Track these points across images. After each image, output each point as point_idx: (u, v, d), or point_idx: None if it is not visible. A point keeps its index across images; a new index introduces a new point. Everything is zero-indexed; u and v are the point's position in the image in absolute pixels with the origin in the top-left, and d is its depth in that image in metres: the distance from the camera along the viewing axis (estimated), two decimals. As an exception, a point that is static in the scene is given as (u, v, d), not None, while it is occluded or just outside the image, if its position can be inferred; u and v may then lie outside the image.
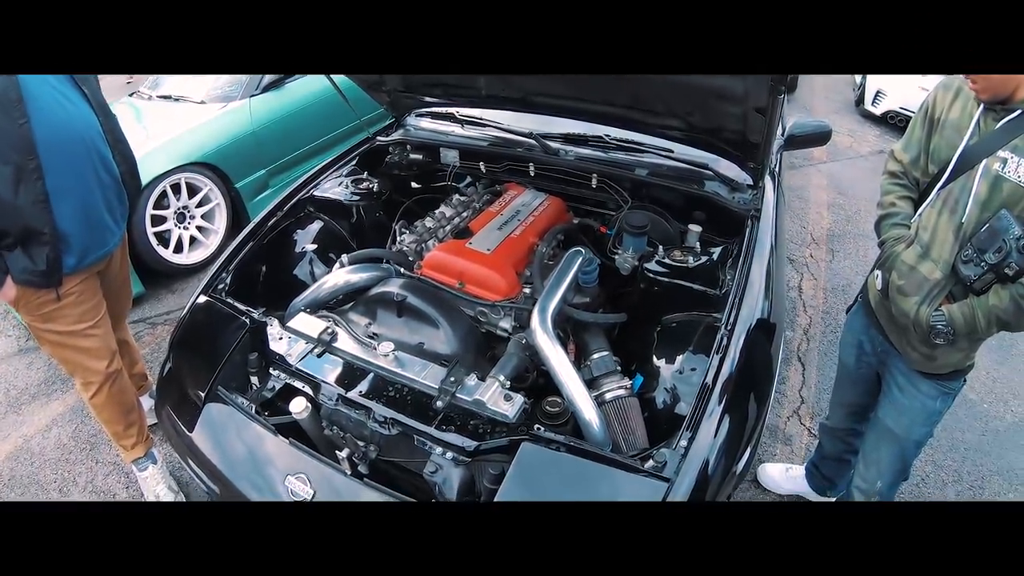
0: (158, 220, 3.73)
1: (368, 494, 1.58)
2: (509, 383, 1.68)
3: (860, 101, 7.42)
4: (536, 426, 1.57)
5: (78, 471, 2.82)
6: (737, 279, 1.86)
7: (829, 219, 4.84)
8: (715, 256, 2.08)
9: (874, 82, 7.11)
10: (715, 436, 1.50)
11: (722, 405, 1.55)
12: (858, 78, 7.82)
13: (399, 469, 1.76)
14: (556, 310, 1.78)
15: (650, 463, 1.44)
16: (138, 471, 2.59)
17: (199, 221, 3.99)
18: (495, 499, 1.44)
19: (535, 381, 1.91)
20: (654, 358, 1.85)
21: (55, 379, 3.35)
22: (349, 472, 1.64)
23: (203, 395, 1.88)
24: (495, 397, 1.61)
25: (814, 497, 2.55)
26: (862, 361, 2.04)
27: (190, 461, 1.92)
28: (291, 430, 1.82)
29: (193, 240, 3.99)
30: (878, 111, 7.03)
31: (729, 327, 1.71)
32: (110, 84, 8.26)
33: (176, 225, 3.85)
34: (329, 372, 1.79)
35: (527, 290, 2.05)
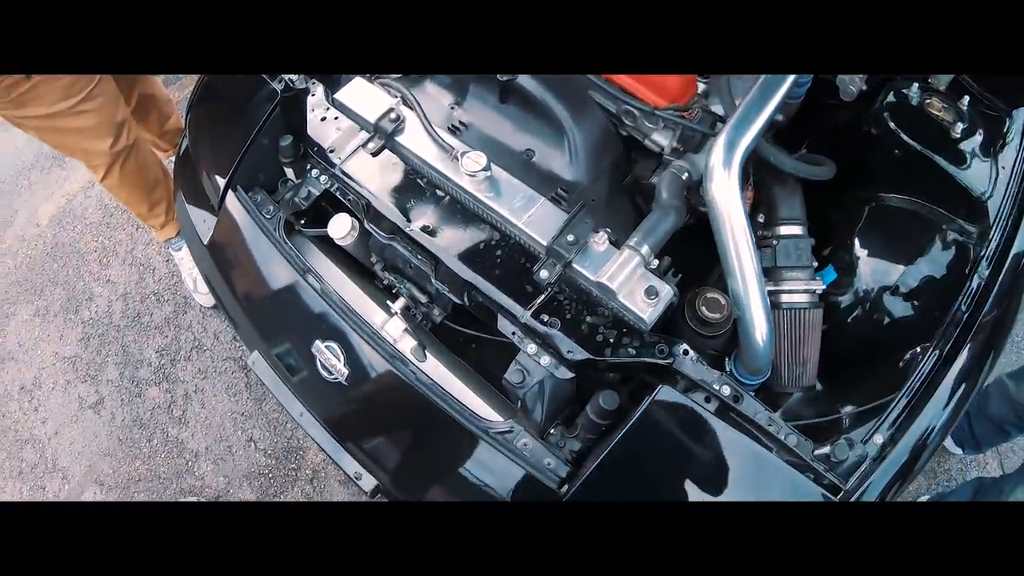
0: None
1: (414, 395, 1.09)
2: (656, 261, 1.03)
3: None
4: (683, 348, 1.00)
5: (118, 238, 2.47)
6: (1011, 186, 1.15)
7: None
8: (982, 128, 1.23)
9: None
10: (926, 431, 1.01)
11: (953, 386, 1.03)
12: None
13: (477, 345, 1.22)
14: (750, 148, 1.03)
15: (823, 450, 0.96)
16: (173, 251, 2.19)
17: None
18: (594, 466, 0.98)
19: (688, 224, 1.24)
20: (856, 247, 1.18)
21: (100, 127, 2.91)
22: (399, 336, 1.11)
23: (220, 192, 1.34)
24: (632, 284, 1.00)
25: (949, 444, 2.02)
26: None
27: (205, 273, 1.45)
28: (335, 252, 1.30)
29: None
30: None
31: (990, 264, 1.09)
32: None
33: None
34: (385, 184, 1.18)
35: (702, 86, 1.28)
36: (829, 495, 0.94)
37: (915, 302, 1.11)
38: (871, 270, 1.17)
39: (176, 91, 2.80)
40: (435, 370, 1.12)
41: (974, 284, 1.07)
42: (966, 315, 1.05)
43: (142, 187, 1.90)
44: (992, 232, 1.11)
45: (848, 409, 1.04)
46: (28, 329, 2.36)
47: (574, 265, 1.03)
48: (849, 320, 1.16)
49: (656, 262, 1.05)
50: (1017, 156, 1.19)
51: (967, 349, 1.04)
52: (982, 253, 1.09)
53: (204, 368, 2.14)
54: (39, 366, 2.28)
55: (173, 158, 2.24)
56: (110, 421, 2.12)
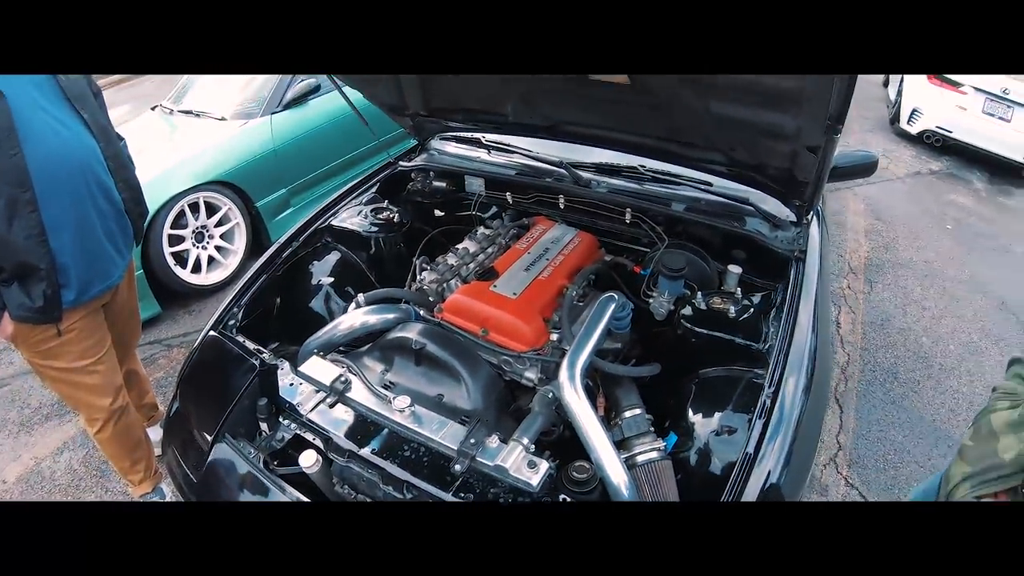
0: (176, 240, 3.66)
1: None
2: (534, 446, 1.56)
3: (895, 119, 7.19)
4: (561, 497, 1.47)
5: (87, 499, 2.75)
6: (781, 334, 1.73)
7: (867, 247, 4.65)
8: (756, 303, 1.94)
9: (910, 100, 6.87)
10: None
11: (764, 476, 1.43)
12: (892, 95, 7.58)
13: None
14: (586, 364, 1.66)
15: None
16: (145, 505, 2.51)
17: (218, 241, 3.92)
18: None
19: (561, 435, 1.79)
20: (689, 414, 1.73)
21: (68, 400, 3.30)
22: None
23: (210, 441, 1.79)
24: (518, 463, 1.50)
25: None
26: None
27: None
28: (302, 482, 1.73)
29: (212, 260, 3.92)
30: (914, 130, 6.79)
31: (773, 387, 1.59)
32: (134, 94, 8.33)
33: (194, 245, 3.78)
34: (341, 425, 1.68)
35: (555, 336, 1.92)
36: None
37: (734, 438, 1.60)
38: (703, 427, 1.67)
39: (155, 368, 3.31)
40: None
41: (765, 405, 1.53)
42: (762, 428, 1.49)
43: (128, 445, 2.30)
44: (769, 371, 1.62)
45: None
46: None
47: (478, 458, 1.51)
48: (695, 466, 1.62)
49: (533, 447, 1.55)
50: (781, 313, 1.79)
51: (772, 450, 1.46)
52: (766, 384, 1.58)
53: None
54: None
55: (148, 427, 2.70)
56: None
